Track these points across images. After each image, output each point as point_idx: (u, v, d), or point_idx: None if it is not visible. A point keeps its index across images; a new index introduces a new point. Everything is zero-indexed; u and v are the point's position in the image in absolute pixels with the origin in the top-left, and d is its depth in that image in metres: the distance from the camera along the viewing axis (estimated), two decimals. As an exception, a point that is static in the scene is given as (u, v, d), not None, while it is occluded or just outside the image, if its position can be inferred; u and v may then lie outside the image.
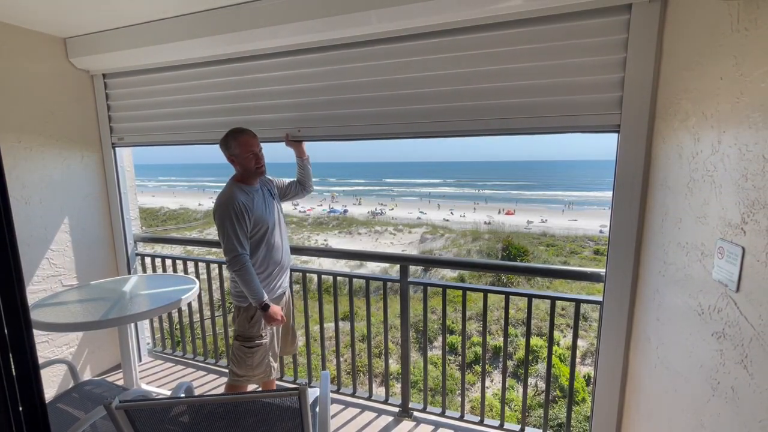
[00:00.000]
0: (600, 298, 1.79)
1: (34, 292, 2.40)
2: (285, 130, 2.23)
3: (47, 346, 2.49)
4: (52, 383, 2.51)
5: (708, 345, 1.12)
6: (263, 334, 1.92)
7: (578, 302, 1.95)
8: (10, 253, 0.57)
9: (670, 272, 1.36)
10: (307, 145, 2.21)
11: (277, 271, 1.97)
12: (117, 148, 2.76)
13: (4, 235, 0.56)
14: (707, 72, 1.16)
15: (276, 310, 1.87)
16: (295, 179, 2.20)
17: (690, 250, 1.22)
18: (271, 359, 1.98)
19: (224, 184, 1.90)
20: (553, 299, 1.99)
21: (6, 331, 0.57)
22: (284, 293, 2.08)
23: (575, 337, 1.99)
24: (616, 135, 1.62)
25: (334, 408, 2.36)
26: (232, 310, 1.96)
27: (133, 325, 2.64)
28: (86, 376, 2.73)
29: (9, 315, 0.57)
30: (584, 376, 8.29)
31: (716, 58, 1.12)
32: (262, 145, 1.94)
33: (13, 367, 0.58)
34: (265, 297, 1.83)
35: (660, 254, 1.44)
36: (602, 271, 1.77)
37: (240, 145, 1.84)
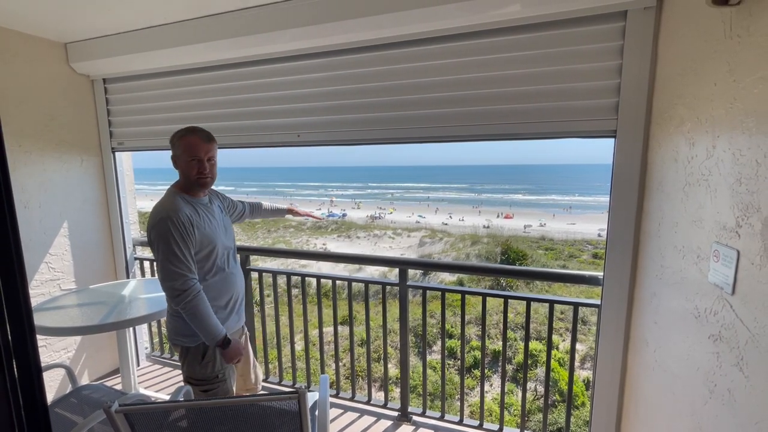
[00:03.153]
0: (598, 302, 1.80)
1: (33, 296, 2.39)
2: (285, 136, 2.25)
3: (45, 350, 2.48)
4: (50, 388, 2.50)
5: (704, 348, 1.13)
6: (219, 376, 1.62)
7: (576, 305, 1.96)
8: (15, 259, 0.58)
9: (667, 275, 1.37)
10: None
11: (235, 304, 1.69)
12: (117, 153, 2.77)
13: (9, 241, 0.57)
14: (701, 78, 1.18)
15: (236, 344, 1.58)
16: (249, 206, 2.01)
17: (686, 254, 1.24)
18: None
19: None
20: (552, 302, 2.00)
21: (10, 336, 0.58)
22: (243, 327, 1.84)
23: (573, 340, 2.00)
24: (612, 140, 1.64)
25: (333, 412, 2.35)
26: (174, 350, 1.63)
27: (131, 329, 2.64)
28: (84, 380, 2.72)
29: (13, 320, 0.58)
30: (584, 381, 8.27)
31: (710, 65, 1.13)
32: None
33: (16, 371, 0.59)
34: (224, 331, 1.54)
35: (657, 257, 1.46)
36: (600, 274, 1.78)
37: (183, 146, 1.53)
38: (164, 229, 1.44)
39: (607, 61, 1.59)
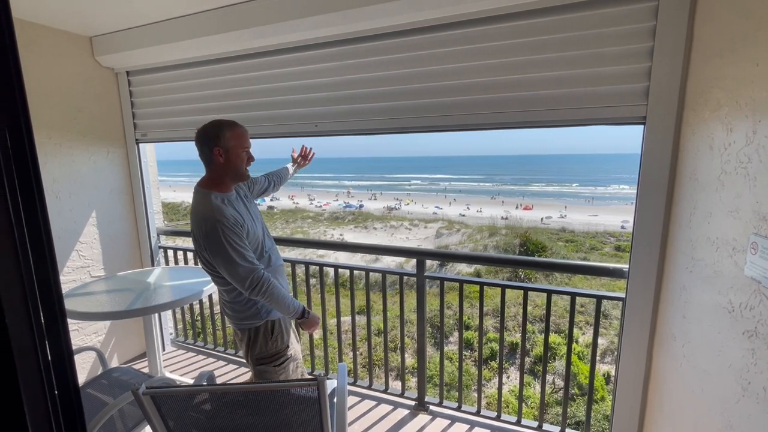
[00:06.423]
0: (622, 295, 1.75)
1: (65, 282, 2.51)
2: (303, 126, 2.25)
3: (77, 334, 2.60)
4: (82, 369, 2.63)
5: (738, 344, 1.08)
6: (288, 344, 1.67)
7: (599, 298, 1.91)
8: (46, 247, 0.59)
9: (698, 268, 1.31)
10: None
11: (283, 280, 1.71)
12: (140, 144, 2.84)
13: (40, 230, 0.58)
14: (742, 58, 1.11)
15: (313, 315, 1.64)
16: (272, 177, 1.98)
17: (720, 246, 1.18)
18: (303, 368, 1.79)
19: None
20: (573, 295, 1.95)
21: (42, 319, 0.60)
22: None
23: (596, 333, 1.95)
24: (641, 127, 1.57)
25: (350, 400, 2.39)
26: (235, 338, 1.63)
27: (156, 315, 2.73)
28: (114, 363, 2.85)
29: (45, 304, 0.60)
30: (603, 375, 8.13)
31: (752, 44, 1.06)
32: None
33: (48, 353, 0.61)
34: (301, 304, 1.60)
35: (687, 250, 1.39)
36: (625, 266, 1.72)
37: (236, 137, 1.50)
38: (218, 234, 1.40)
39: (637, 43, 1.51)
